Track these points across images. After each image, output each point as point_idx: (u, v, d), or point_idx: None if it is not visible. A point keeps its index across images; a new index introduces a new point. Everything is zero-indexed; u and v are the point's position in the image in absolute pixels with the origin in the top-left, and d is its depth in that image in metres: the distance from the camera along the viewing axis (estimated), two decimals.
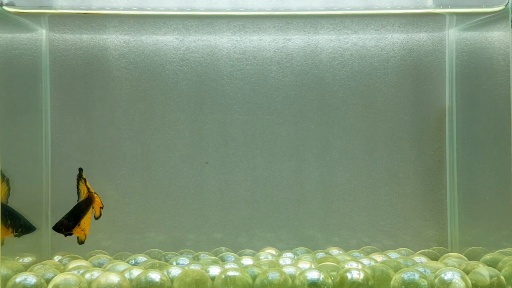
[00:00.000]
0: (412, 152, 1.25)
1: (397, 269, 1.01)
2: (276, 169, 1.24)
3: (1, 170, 1.01)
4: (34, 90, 1.19)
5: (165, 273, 1.00)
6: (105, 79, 1.22)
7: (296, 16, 1.14)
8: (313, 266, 1.05)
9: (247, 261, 1.11)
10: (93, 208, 1.10)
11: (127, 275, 0.99)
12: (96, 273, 0.99)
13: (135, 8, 1.11)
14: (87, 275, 0.98)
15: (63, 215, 1.07)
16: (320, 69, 1.24)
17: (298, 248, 1.21)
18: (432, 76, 1.24)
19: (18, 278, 0.97)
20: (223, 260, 1.14)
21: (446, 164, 1.25)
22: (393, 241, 1.25)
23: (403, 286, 0.96)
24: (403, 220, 1.25)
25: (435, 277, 0.97)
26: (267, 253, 1.18)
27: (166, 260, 1.15)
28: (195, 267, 1.04)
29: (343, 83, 1.24)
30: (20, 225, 1.06)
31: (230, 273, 0.97)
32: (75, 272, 1.01)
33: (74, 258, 1.14)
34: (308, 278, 0.96)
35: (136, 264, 1.11)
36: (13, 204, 1.07)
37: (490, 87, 1.14)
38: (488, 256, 1.10)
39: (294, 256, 1.17)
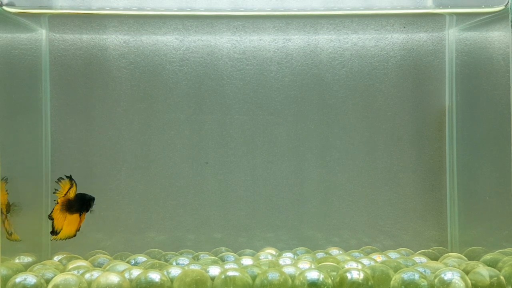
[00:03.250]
0: (412, 152, 1.25)
1: (397, 269, 1.01)
2: (276, 169, 1.24)
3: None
4: (34, 90, 1.19)
5: (165, 273, 1.00)
6: (105, 79, 1.22)
7: (296, 16, 1.14)
8: (313, 266, 1.05)
9: (247, 261, 1.11)
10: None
11: (127, 275, 0.99)
12: (96, 273, 0.99)
13: (135, 8, 1.11)
14: (87, 275, 0.98)
15: None
16: (320, 69, 1.24)
17: (298, 248, 1.21)
18: (432, 76, 1.24)
19: (18, 278, 0.97)
20: (223, 260, 1.14)
21: (446, 164, 1.25)
22: (393, 241, 1.25)
23: (403, 286, 0.96)
24: (403, 220, 1.25)
25: (435, 277, 0.97)
26: (267, 253, 1.18)
27: (166, 260, 1.15)
28: (195, 267, 1.04)
29: (343, 83, 1.24)
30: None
31: (230, 273, 0.97)
32: (75, 272, 1.01)
33: (74, 258, 1.14)
34: (308, 278, 0.96)
35: (136, 264, 1.11)
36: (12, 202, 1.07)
37: (490, 87, 1.14)
38: (488, 256, 1.10)
39: (294, 256, 1.17)
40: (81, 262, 1.09)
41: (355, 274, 0.97)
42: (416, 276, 0.96)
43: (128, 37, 1.23)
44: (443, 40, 1.24)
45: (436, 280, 0.96)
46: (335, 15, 1.15)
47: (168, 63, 1.23)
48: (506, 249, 1.09)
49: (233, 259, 1.14)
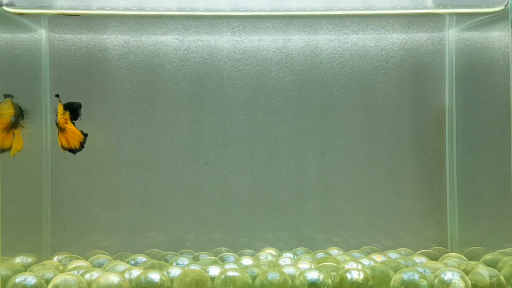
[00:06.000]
0: (412, 152, 1.25)
1: (397, 269, 1.01)
2: (275, 169, 1.24)
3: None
4: (34, 90, 1.19)
5: (165, 273, 1.00)
6: (105, 79, 1.22)
7: (296, 16, 1.14)
8: (312, 266, 1.05)
9: (246, 261, 1.11)
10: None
11: (127, 275, 0.99)
12: (95, 274, 0.99)
13: (135, 8, 1.11)
14: (87, 276, 0.99)
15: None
16: (320, 69, 1.24)
17: (298, 248, 1.21)
18: (432, 76, 1.24)
19: (18, 278, 0.97)
20: (223, 260, 1.14)
21: (446, 164, 1.25)
22: (393, 241, 1.25)
23: (402, 287, 0.96)
24: (403, 220, 1.25)
25: (435, 278, 0.97)
26: (267, 253, 1.18)
27: (166, 261, 1.15)
28: (194, 267, 1.04)
29: (343, 83, 1.24)
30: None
31: (230, 273, 0.98)
32: (75, 272, 1.01)
33: (74, 258, 1.14)
34: (308, 278, 0.96)
35: (136, 264, 1.11)
36: (12, 203, 1.07)
37: (489, 87, 1.14)
38: (488, 256, 1.10)
39: (294, 256, 1.17)
40: (81, 262, 1.09)
41: (355, 274, 0.97)
42: (416, 276, 0.96)
43: (128, 37, 1.23)
44: (443, 40, 1.24)
45: (436, 280, 0.97)
46: (335, 15, 1.15)
47: (168, 63, 1.23)
48: (506, 249, 1.09)
49: (233, 259, 1.14)
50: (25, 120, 1.07)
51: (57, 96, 1.10)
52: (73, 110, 1.11)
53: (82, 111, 1.11)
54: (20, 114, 1.07)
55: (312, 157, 1.24)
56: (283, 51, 1.23)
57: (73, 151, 1.11)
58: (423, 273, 0.99)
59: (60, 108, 1.09)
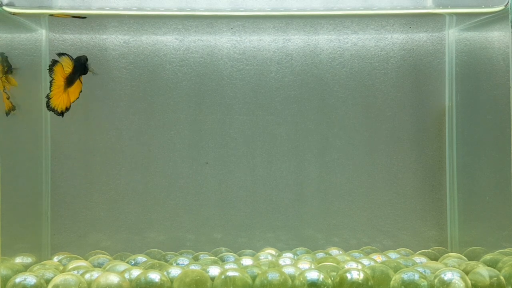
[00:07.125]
0: (412, 152, 1.25)
1: (397, 269, 1.01)
2: (275, 169, 1.24)
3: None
4: (34, 90, 1.19)
5: (165, 273, 1.00)
6: (105, 80, 1.22)
7: (295, 17, 1.14)
8: (312, 266, 1.05)
9: (246, 261, 1.11)
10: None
11: (127, 275, 0.99)
12: (95, 274, 0.99)
13: (134, 9, 1.11)
14: (87, 276, 0.99)
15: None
16: (320, 69, 1.24)
17: (298, 248, 1.21)
18: (432, 76, 1.24)
19: (18, 278, 0.97)
20: (222, 260, 1.14)
21: (446, 164, 1.25)
22: (393, 241, 1.25)
23: (402, 286, 0.96)
24: (403, 220, 1.25)
25: (435, 277, 0.97)
26: (267, 253, 1.18)
27: (166, 261, 1.15)
28: (194, 267, 1.04)
29: (343, 83, 1.24)
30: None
31: (230, 273, 0.98)
32: (75, 272, 1.01)
33: (74, 258, 1.14)
34: (308, 278, 0.96)
35: (136, 264, 1.11)
36: (12, 203, 1.07)
37: (489, 87, 1.14)
38: (488, 257, 1.10)
39: (294, 256, 1.17)
40: (81, 262, 1.09)
41: (355, 274, 0.97)
42: (416, 276, 0.96)
43: (128, 37, 1.23)
44: (443, 40, 1.24)
45: (436, 280, 0.97)
46: (335, 15, 1.15)
47: (168, 63, 1.23)
48: (506, 249, 1.09)
49: (233, 259, 1.14)
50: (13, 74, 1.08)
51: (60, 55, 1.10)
52: (82, 64, 1.11)
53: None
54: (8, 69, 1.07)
55: (312, 157, 1.24)
56: (283, 51, 1.23)
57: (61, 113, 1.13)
58: (423, 273, 0.99)
59: None
